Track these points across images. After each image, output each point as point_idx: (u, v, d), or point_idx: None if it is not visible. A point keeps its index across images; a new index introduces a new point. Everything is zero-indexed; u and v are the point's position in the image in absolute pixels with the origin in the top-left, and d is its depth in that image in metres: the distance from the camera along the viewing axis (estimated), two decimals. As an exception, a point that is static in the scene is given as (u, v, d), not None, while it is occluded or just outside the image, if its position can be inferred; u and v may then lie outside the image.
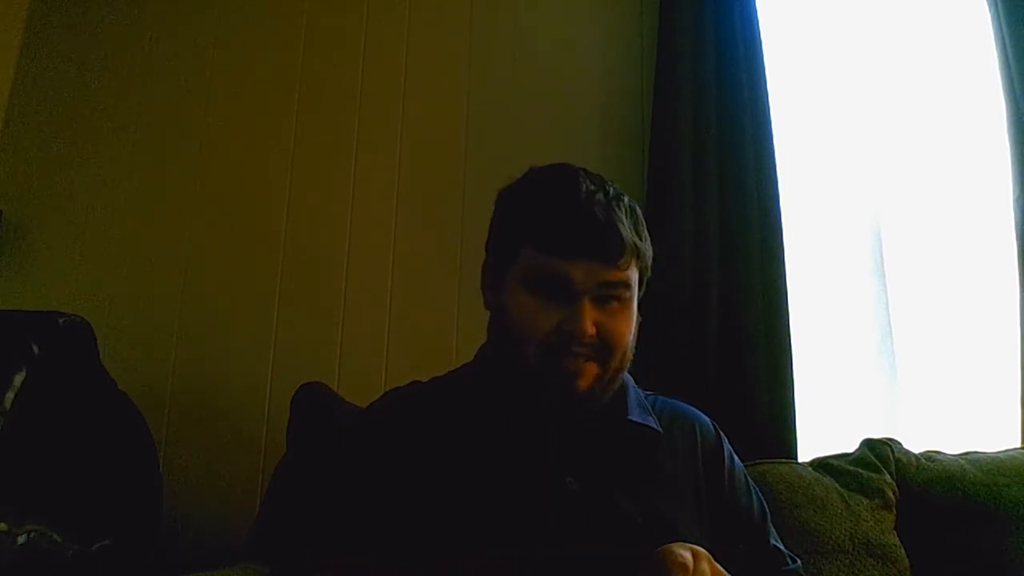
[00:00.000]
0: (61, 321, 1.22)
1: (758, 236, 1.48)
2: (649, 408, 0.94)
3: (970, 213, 1.64)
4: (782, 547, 0.96)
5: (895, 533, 1.19)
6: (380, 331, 1.62)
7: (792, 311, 1.46)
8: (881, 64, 1.74)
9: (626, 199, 0.87)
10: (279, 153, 1.75)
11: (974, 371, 1.55)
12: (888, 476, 1.24)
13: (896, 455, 1.28)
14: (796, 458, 1.37)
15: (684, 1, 1.60)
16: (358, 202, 1.71)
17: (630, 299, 0.87)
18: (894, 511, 1.22)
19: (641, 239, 0.87)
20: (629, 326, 0.87)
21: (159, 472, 1.36)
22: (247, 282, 1.68)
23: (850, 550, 1.14)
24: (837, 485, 1.23)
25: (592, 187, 0.85)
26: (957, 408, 1.54)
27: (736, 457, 0.99)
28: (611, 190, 0.86)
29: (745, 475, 0.99)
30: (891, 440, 1.32)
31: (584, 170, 0.89)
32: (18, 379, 1.10)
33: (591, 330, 0.82)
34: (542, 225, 0.84)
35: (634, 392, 0.95)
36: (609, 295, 0.84)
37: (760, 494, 0.99)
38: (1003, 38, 1.54)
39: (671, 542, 0.70)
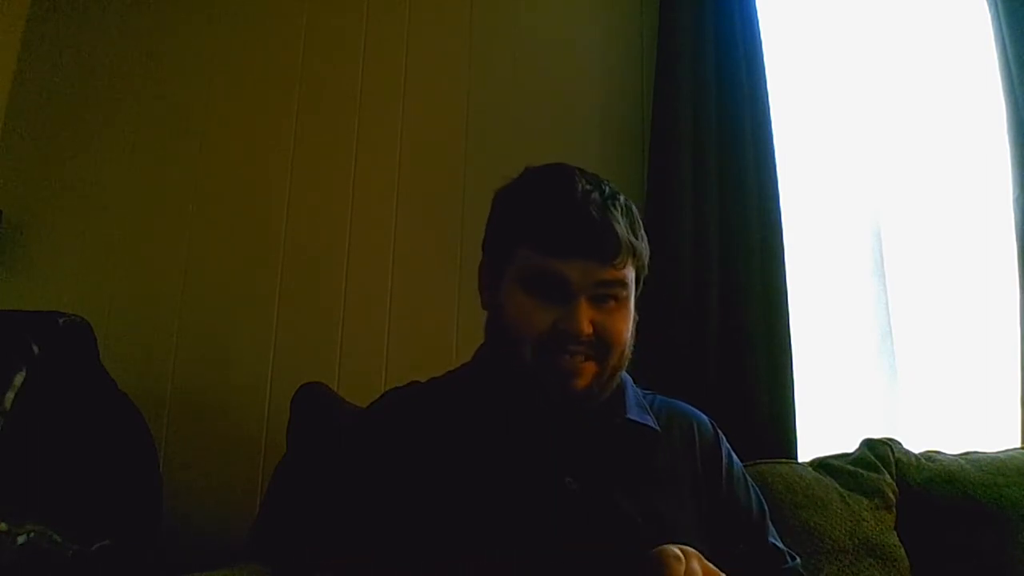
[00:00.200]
0: (61, 321, 1.22)
1: (758, 236, 1.48)
2: (648, 407, 0.94)
3: (970, 213, 1.64)
4: (781, 545, 0.96)
5: (895, 533, 1.19)
6: (380, 331, 1.62)
7: (792, 311, 1.46)
8: (881, 64, 1.74)
9: (622, 198, 0.87)
10: (279, 153, 1.75)
11: (974, 371, 1.55)
12: (888, 476, 1.25)
13: (896, 455, 1.28)
14: (796, 458, 1.37)
15: (684, 1, 1.61)
16: (358, 202, 1.71)
17: (627, 298, 0.87)
18: (894, 511, 1.22)
19: (637, 238, 0.87)
20: (626, 325, 0.87)
21: (159, 472, 1.36)
22: (247, 282, 1.68)
23: (850, 550, 1.14)
24: (837, 485, 1.23)
25: (588, 186, 0.85)
26: (957, 408, 1.54)
27: (735, 455, 0.99)
28: (607, 189, 0.86)
29: (744, 473, 0.99)
30: (891, 440, 1.32)
31: (580, 169, 0.89)
32: (18, 379, 1.10)
33: (587, 329, 0.82)
34: (538, 225, 0.84)
35: (632, 391, 0.95)
36: (606, 294, 0.84)
37: (759, 492, 0.99)
38: (1003, 38, 1.54)
39: (669, 541, 0.70)
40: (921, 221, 1.66)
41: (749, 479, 1.00)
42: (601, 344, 0.84)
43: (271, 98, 1.79)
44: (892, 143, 1.70)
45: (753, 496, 0.98)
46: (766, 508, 0.98)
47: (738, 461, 0.99)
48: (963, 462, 1.26)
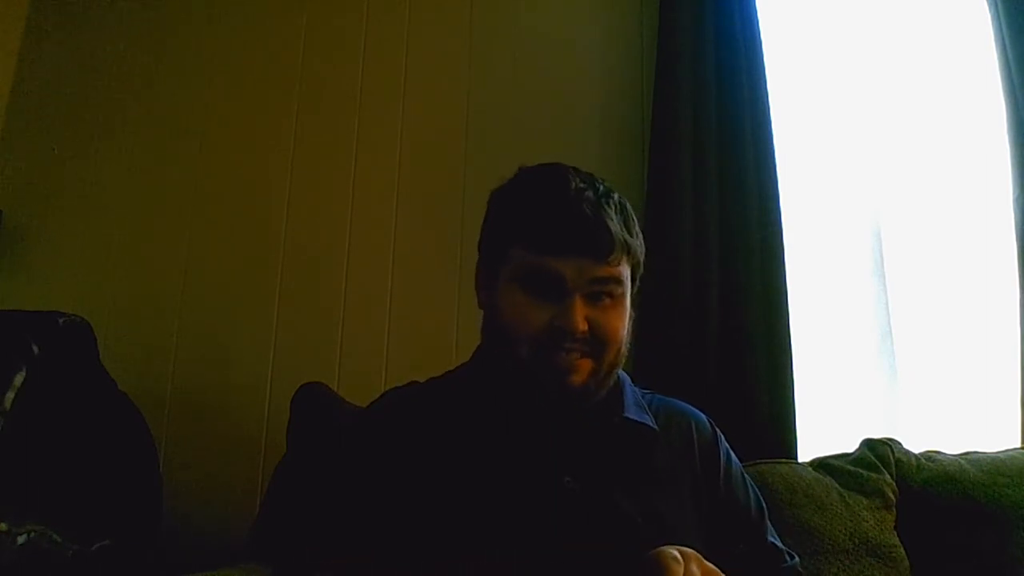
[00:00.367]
0: (61, 321, 1.22)
1: (758, 236, 1.48)
2: (646, 406, 0.94)
3: (970, 213, 1.64)
4: (780, 544, 0.96)
5: (895, 533, 1.19)
6: (380, 331, 1.62)
7: (792, 311, 1.46)
8: (881, 64, 1.74)
9: (616, 196, 0.87)
10: (279, 153, 1.75)
11: (974, 371, 1.55)
12: (888, 476, 1.25)
13: (896, 455, 1.28)
14: (796, 458, 1.37)
15: (684, 1, 1.60)
16: (358, 202, 1.71)
17: (622, 295, 0.87)
18: (894, 511, 1.22)
19: (631, 235, 0.87)
20: (622, 322, 0.87)
21: (159, 472, 1.36)
22: (247, 282, 1.68)
23: (850, 550, 1.14)
24: (837, 485, 1.23)
25: (581, 185, 0.85)
26: (957, 408, 1.54)
27: (733, 454, 1.00)
28: (600, 187, 0.86)
29: (742, 472, 0.99)
30: (891, 440, 1.32)
31: (574, 168, 0.89)
32: (18, 379, 1.10)
33: (583, 326, 0.82)
34: (532, 223, 0.84)
35: (631, 390, 0.95)
36: (601, 291, 0.84)
37: (757, 491, 1.00)
38: (1003, 38, 1.54)
39: (668, 540, 0.70)
40: (921, 221, 1.65)
41: (748, 478, 1.00)
42: (597, 341, 0.84)
43: (271, 98, 1.79)
44: (892, 143, 1.70)
45: (752, 495, 0.98)
46: (765, 507, 0.98)
47: (736, 460, 0.99)
48: (963, 462, 1.26)
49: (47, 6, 1.92)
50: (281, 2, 1.86)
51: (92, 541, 1.12)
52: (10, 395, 1.08)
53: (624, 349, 0.88)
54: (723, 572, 0.71)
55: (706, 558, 0.71)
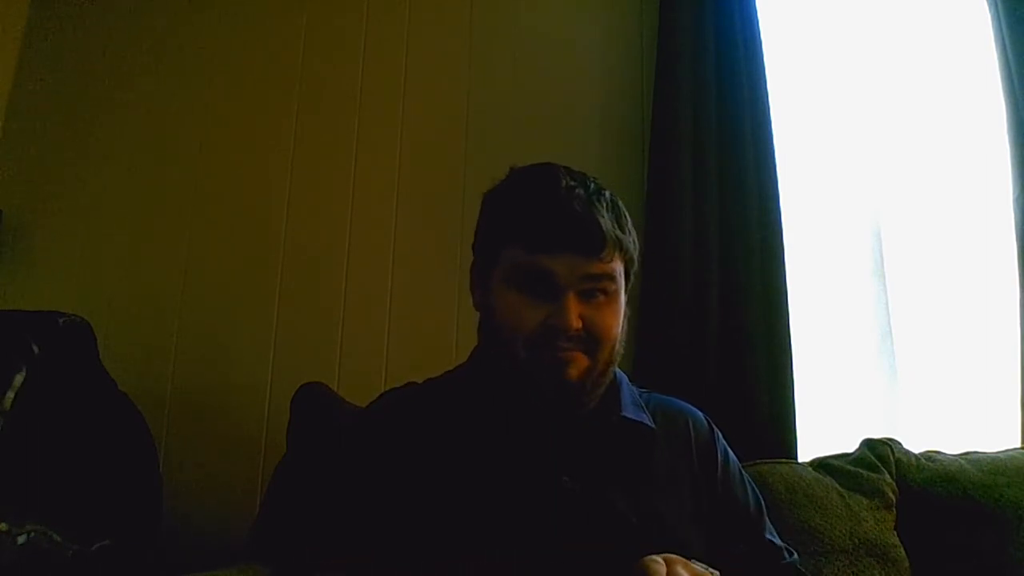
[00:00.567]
0: (61, 321, 1.22)
1: (758, 236, 1.48)
2: (643, 405, 0.94)
3: (970, 213, 1.64)
4: (778, 541, 0.96)
5: (895, 533, 1.19)
6: (380, 331, 1.62)
7: (792, 311, 1.46)
8: (881, 64, 1.74)
9: (607, 193, 0.88)
10: (279, 153, 1.75)
11: (974, 371, 1.55)
12: (888, 476, 1.25)
13: (896, 455, 1.28)
14: (796, 458, 1.37)
15: (684, 1, 1.60)
16: (358, 202, 1.71)
17: (616, 292, 0.87)
18: (894, 511, 1.22)
19: (624, 232, 0.87)
20: (616, 319, 0.87)
21: (159, 472, 1.35)
22: (247, 282, 1.68)
23: (850, 550, 1.14)
24: (837, 485, 1.23)
25: (572, 183, 0.85)
26: (957, 408, 1.54)
27: (730, 451, 1.00)
28: (591, 185, 0.87)
29: (740, 469, 0.99)
30: (891, 440, 1.32)
31: (565, 167, 0.89)
32: (18, 379, 1.10)
33: (576, 323, 0.82)
34: (523, 222, 0.85)
35: (628, 389, 0.95)
36: (594, 288, 0.85)
37: (755, 488, 1.00)
38: (1003, 38, 1.54)
39: (666, 539, 0.70)
40: (921, 221, 1.65)
41: (746, 475, 1.00)
42: (591, 339, 0.84)
43: (271, 98, 1.79)
44: (892, 143, 1.70)
45: (750, 492, 0.98)
46: (763, 504, 0.99)
47: (734, 457, 1.00)
48: (963, 462, 1.26)
49: (47, 6, 1.92)
50: (281, 2, 1.86)
51: (92, 541, 1.12)
52: (10, 395, 1.08)
53: (619, 346, 0.88)
54: (720, 571, 0.71)
55: (704, 556, 0.71)
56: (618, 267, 0.86)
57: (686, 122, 1.53)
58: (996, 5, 1.56)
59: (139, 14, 1.89)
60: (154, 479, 1.32)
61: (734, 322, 1.44)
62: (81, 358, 1.25)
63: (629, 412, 0.90)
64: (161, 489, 1.33)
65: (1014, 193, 1.49)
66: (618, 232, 0.85)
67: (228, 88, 1.82)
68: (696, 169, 1.51)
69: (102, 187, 1.78)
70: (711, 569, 0.72)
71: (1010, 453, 1.28)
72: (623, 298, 0.89)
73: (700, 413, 1.01)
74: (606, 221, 0.84)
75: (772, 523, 0.99)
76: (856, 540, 1.15)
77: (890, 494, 1.22)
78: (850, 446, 1.34)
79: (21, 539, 1.02)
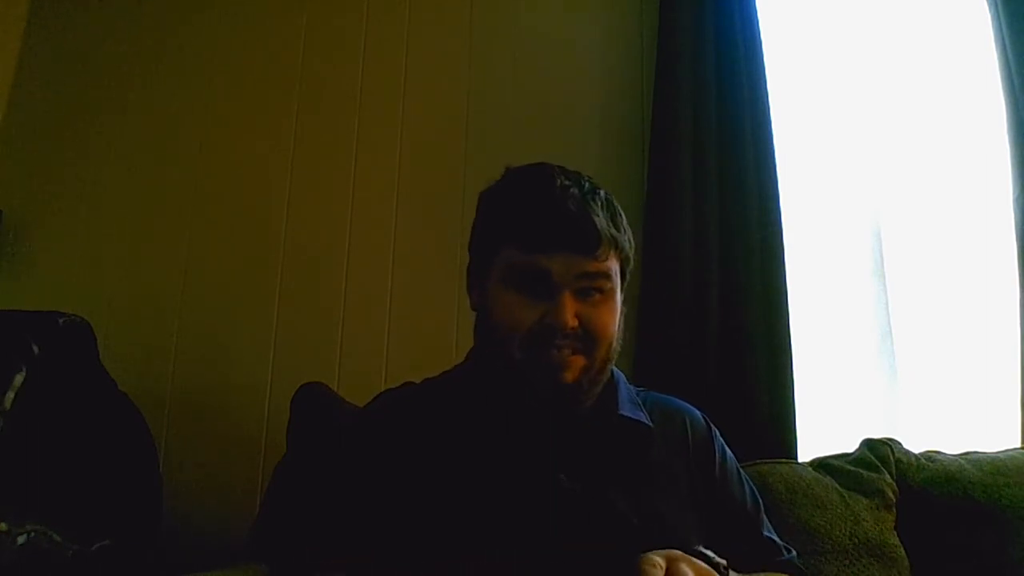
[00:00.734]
0: (61, 321, 1.22)
1: (758, 236, 1.48)
2: (640, 404, 0.94)
3: (970, 213, 1.64)
4: (776, 538, 0.96)
5: (895, 533, 1.19)
6: (380, 331, 1.62)
7: (792, 311, 1.46)
8: (881, 64, 1.74)
9: (602, 192, 0.88)
10: (279, 153, 1.75)
11: (974, 371, 1.55)
12: (888, 476, 1.25)
13: (896, 455, 1.28)
14: (796, 458, 1.37)
15: (684, 1, 1.61)
16: (358, 202, 1.71)
17: (612, 290, 0.87)
18: (894, 511, 1.22)
19: (619, 230, 0.87)
20: (612, 317, 0.87)
21: (159, 472, 1.35)
22: (247, 282, 1.68)
23: (850, 550, 1.14)
24: (837, 485, 1.23)
25: (566, 182, 0.85)
26: (957, 408, 1.54)
27: (728, 449, 1.00)
28: (586, 184, 0.87)
29: (737, 467, 0.99)
30: (891, 440, 1.32)
31: (560, 167, 0.89)
32: (18, 379, 1.10)
33: (573, 322, 0.83)
34: (518, 222, 0.85)
35: (625, 388, 0.95)
36: (590, 287, 0.85)
37: (753, 486, 1.00)
38: (1003, 38, 1.54)
39: (665, 537, 0.70)
40: (921, 221, 1.65)
41: (743, 473, 1.00)
42: (588, 337, 0.84)
43: (271, 98, 1.79)
44: (892, 143, 1.70)
45: (747, 489, 0.98)
46: (760, 502, 0.99)
47: (731, 455, 1.00)
48: (963, 462, 1.26)
49: (47, 6, 1.92)
50: (281, 2, 1.86)
51: (92, 541, 1.12)
52: (10, 395, 1.08)
53: (616, 344, 0.89)
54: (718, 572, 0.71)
55: (705, 547, 0.71)
56: (614, 265, 0.87)
57: (686, 122, 1.53)
58: (996, 5, 1.56)
59: (139, 14, 1.89)
60: (154, 479, 1.32)
61: (734, 322, 1.44)
62: (81, 358, 1.25)
63: (626, 410, 0.90)
64: (161, 489, 1.33)
65: (1014, 193, 1.49)
66: (613, 231, 0.85)
67: (228, 88, 1.82)
68: (696, 169, 1.51)
69: (102, 187, 1.78)
70: (718, 558, 0.72)
71: (1010, 453, 1.28)
72: (619, 296, 0.89)
73: (697, 411, 1.01)
74: (601, 220, 0.84)
75: (772, 523, 0.99)
76: (856, 540, 1.15)
77: (890, 494, 1.22)
78: (850, 446, 1.34)
79: (21, 539, 1.02)
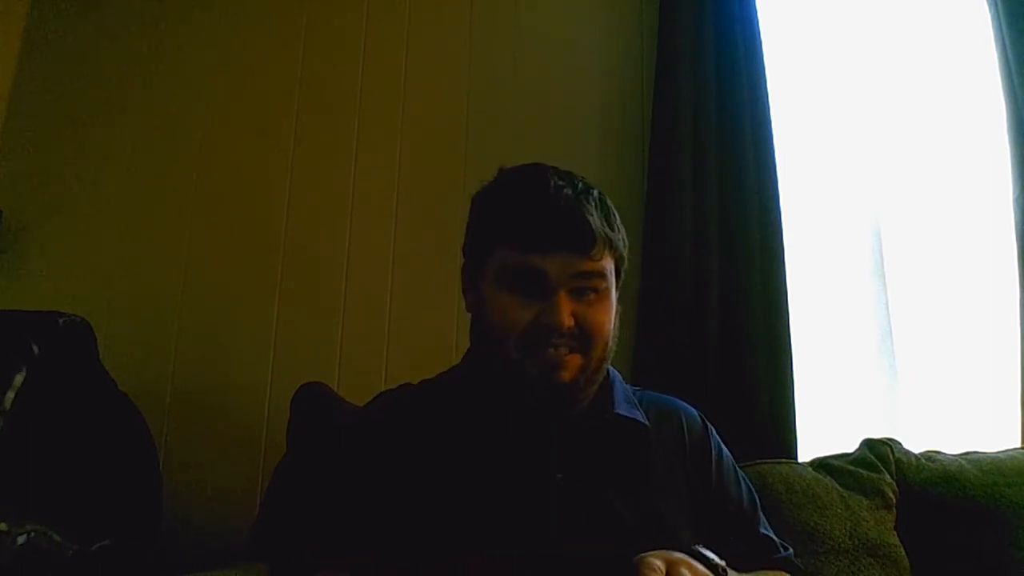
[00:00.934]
0: (61, 321, 1.22)
1: (758, 236, 1.48)
2: (636, 403, 0.95)
3: (970, 213, 1.64)
4: (773, 536, 0.96)
5: (895, 533, 1.19)
6: (380, 331, 1.62)
7: (792, 311, 1.46)
8: (881, 64, 1.74)
9: (595, 192, 0.88)
10: (279, 153, 1.75)
11: (974, 371, 1.55)
12: (888, 476, 1.25)
13: (896, 455, 1.28)
14: (796, 458, 1.37)
15: (684, 1, 1.61)
16: (358, 202, 1.71)
17: (607, 290, 0.87)
18: (894, 511, 1.22)
19: (613, 229, 0.87)
20: (608, 316, 0.87)
21: (159, 472, 1.35)
22: (247, 282, 1.68)
23: (850, 550, 1.14)
24: (837, 485, 1.23)
25: (560, 182, 0.85)
26: (957, 408, 1.54)
27: (724, 447, 1.00)
28: (579, 184, 0.87)
29: (734, 465, 1.00)
30: (891, 440, 1.32)
31: (553, 167, 0.89)
32: (18, 379, 1.10)
33: (568, 321, 0.83)
34: (512, 223, 0.85)
35: (621, 387, 0.95)
36: (585, 286, 0.85)
37: (750, 484, 1.00)
38: (1003, 38, 1.54)
39: (662, 536, 0.70)
40: (921, 221, 1.65)
41: (740, 471, 1.00)
42: (584, 336, 0.84)
43: (271, 98, 1.79)
44: (892, 143, 1.70)
45: (744, 488, 0.98)
46: (757, 500, 0.99)
47: (728, 453, 1.00)
48: (963, 462, 1.26)
49: (47, 6, 1.92)
50: (281, 2, 1.86)
51: (92, 541, 1.12)
52: (10, 395, 1.08)
53: (612, 343, 0.89)
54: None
55: (704, 547, 0.71)
56: (608, 265, 0.87)
57: (686, 122, 1.53)
58: (996, 5, 1.56)
59: (139, 14, 1.89)
60: (154, 479, 1.32)
61: (734, 322, 1.44)
62: (81, 358, 1.25)
63: (622, 409, 0.91)
64: (161, 489, 1.33)
65: (1014, 193, 1.49)
66: (607, 230, 0.86)
67: (228, 88, 1.82)
68: (696, 169, 1.51)
69: (102, 187, 1.78)
70: (717, 558, 0.72)
71: (1010, 453, 1.28)
72: (614, 295, 0.89)
73: (694, 410, 1.01)
74: (595, 219, 0.84)
75: (772, 523, 0.99)
76: (856, 540, 1.15)
77: (890, 494, 1.22)
78: (850, 446, 1.34)
79: (21, 539, 1.02)
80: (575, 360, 0.85)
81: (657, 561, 0.67)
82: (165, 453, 1.53)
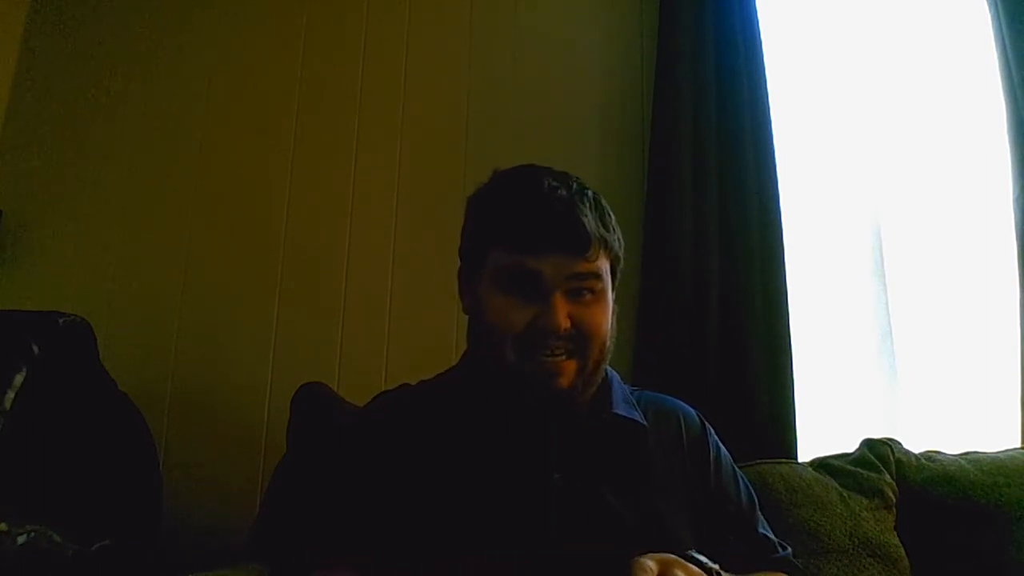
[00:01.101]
0: (61, 321, 1.22)
1: (758, 236, 1.48)
2: (634, 403, 0.95)
3: (970, 213, 1.64)
4: (771, 535, 0.96)
5: (895, 533, 1.19)
6: (380, 331, 1.62)
7: (792, 311, 1.46)
8: (881, 64, 1.74)
9: (590, 192, 0.88)
10: (279, 153, 1.75)
11: (974, 371, 1.55)
12: (888, 476, 1.24)
13: (896, 455, 1.28)
14: (796, 458, 1.37)
15: (684, 1, 1.61)
16: (358, 202, 1.71)
17: (603, 290, 0.87)
18: (894, 511, 1.22)
19: (608, 230, 0.87)
20: (605, 317, 0.87)
21: (159, 472, 1.36)
22: (247, 282, 1.68)
23: (850, 550, 1.14)
24: (837, 485, 1.23)
25: (554, 183, 0.85)
26: (957, 408, 1.54)
27: (723, 447, 1.00)
28: (574, 185, 0.87)
29: (732, 464, 1.00)
30: (891, 440, 1.32)
31: (548, 168, 0.89)
32: (18, 379, 1.10)
33: (565, 323, 0.83)
34: (507, 224, 0.85)
35: (619, 387, 0.95)
36: (581, 287, 0.85)
37: (748, 483, 1.00)
38: (1003, 38, 1.54)
39: (660, 536, 0.70)
40: (921, 221, 1.65)
41: (738, 470, 1.00)
42: (581, 338, 0.84)
43: (271, 98, 1.79)
44: (892, 143, 1.70)
45: (742, 487, 0.98)
46: (756, 499, 0.99)
47: (726, 453, 1.00)
48: (963, 462, 1.26)
49: (47, 6, 1.92)
50: (281, 2, 1.86)
51: (92, 541, 1.12)
52: (10, 395, 1.09)
53: (609, 344, 0.89)
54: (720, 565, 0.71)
55: (698, 551, 0.71)
56: (604, 265, 0.87)
57: (686, 122, 1.53)
58: (996, 5, 1.56)
59: (139, 14, 1.89)
60: (154, 479, 1.33)
61: (734, 322, 1.44)
62: (81, 358, 1.25)
63: (621, 410, 0.91)
64: (161, 489, 1.33)
65: (1014, 193, 1.49)
66: (602, 230, 0.86)
67: (228, 88, 1.82)
68: (696, 169, 1.51)
69: (102, 187, 1.78)
70: (712, 562, 0.72)
71: (1010, 453, 1.28)
72: (611, 296, 0.89)
73: (692, 410, 1.01)
74: (590, 220, 0.84)
75: (772, 523, 0.99)
76: (856, 540, 1.15)
77: (890, 494, 1.22)
78: (850, 446, 1.34)
79: (21, 539, 1.02)
80: (572, 365, 0.85)
81: (650, 562, 0.67)
82: (165, 453, 1.53)
